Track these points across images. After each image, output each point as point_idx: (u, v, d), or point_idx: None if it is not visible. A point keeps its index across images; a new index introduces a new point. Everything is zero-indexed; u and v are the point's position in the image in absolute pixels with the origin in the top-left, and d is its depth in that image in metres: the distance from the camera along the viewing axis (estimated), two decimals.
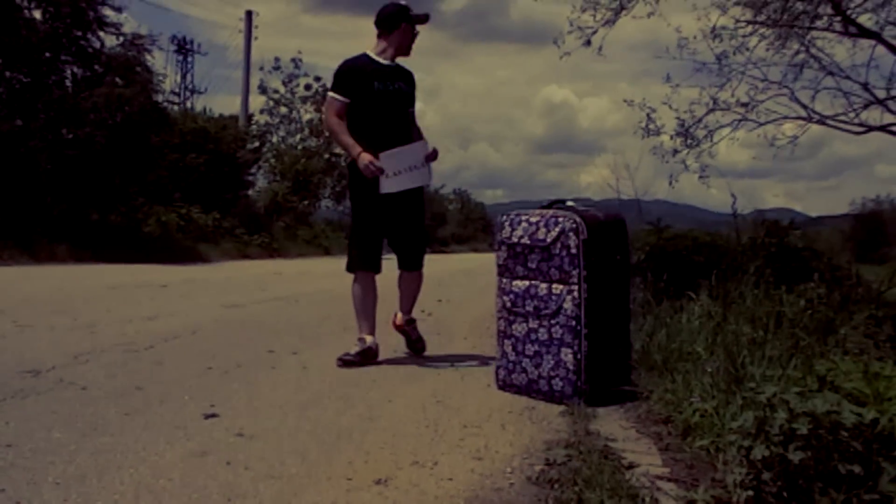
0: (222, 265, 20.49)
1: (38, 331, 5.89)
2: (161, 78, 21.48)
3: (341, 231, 47.06)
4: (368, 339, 5.36)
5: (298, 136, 44.79)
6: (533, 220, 4.24)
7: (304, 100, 44.39)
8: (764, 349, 4.20)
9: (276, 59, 43.56)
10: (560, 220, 4.10)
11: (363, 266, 5.53)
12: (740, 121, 8.84)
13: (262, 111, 43.76)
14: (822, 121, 8.88)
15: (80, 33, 19.16)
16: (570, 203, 4.37)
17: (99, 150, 17.96)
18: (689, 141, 8.96)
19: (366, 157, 5.13)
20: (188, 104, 47.48)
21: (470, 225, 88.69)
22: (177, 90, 51.50)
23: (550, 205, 4.41)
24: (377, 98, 5.31)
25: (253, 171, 35.46)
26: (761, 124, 8.93)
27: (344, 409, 3.78)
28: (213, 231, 25.60)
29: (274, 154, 41.98)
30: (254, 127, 40.48)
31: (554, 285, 4.11)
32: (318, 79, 44.36)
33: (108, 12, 19.38)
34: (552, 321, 4.09)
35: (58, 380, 4.14)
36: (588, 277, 4.02)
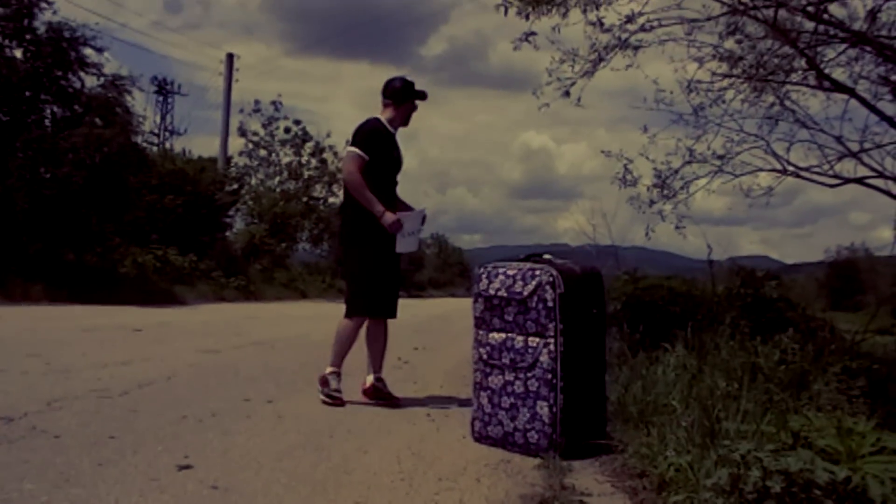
0: (198, 308, 20.37)
1: (10, 375, 5.83)
2: (141, 119, 21.49)
3: (318, 274, 46.94)
4: (372, 376, 5.95)
5: (277, 179, 44.79)
6: (510, 272, 4.27)
7: (283, 143, 44.45)
8: (739, 403, 4.23)
9: (257, 102, 43.65)
10: (537, 273, 4.14)
11: (380, 314, 5.95)
12: (716, 172, 8.94)
13: (241, 153, 43.77)
14: (797, 173, 8.98)
15: (60, 73, 19.15)
16: (546, 256, 4.40)
17: (77, 191, 17.87)
18: (665, 192, 9.03)
19: (391, 217, 5.62)
20: (167, 145, 47.56)
21: (447, 270, 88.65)
22: (156, 131, 51.65)
23: (528, 257, 4.44)
24: (392, 163, 5.92)
25: (231, 213, 35.40)
26: (737, 176, 9.03)
27: (318, 461, 3.77)
28: (189, 273, 25.50)
29: (252, 196, 41.94)
30: (233, 169, 40.48)
31: (530, 338, 4.14)
32: (297, 122, 44.54)
33: (89, 52, 19.42)
34: (528, 374, 4.11)
35: (30, 427, 4.10)
36: (564, 331, 4.05)
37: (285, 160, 44.86)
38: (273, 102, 43.79)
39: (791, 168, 8.95)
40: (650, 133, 9.03)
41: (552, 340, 4.05)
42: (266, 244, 37.07)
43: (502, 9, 8.25)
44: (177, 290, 23.34)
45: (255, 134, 44.04)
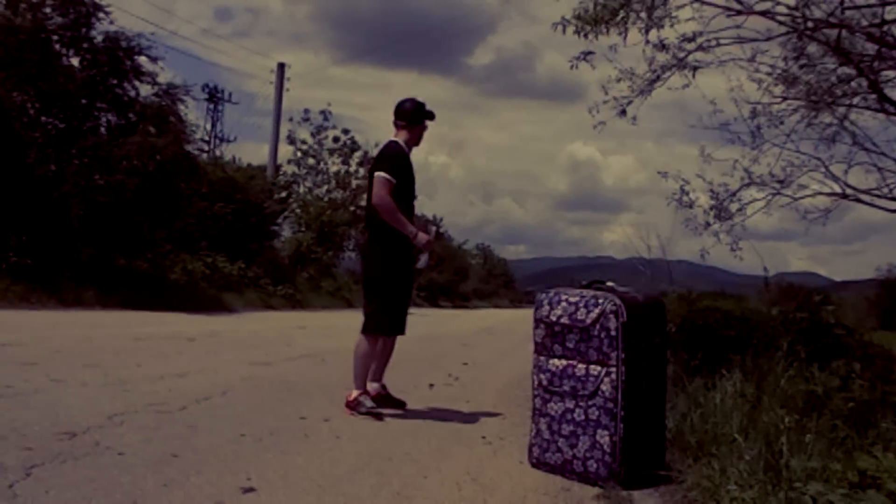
0: (247, 316, 20.53)
1: (70, 386, 5.89)
2: (193, 128, 21.69)
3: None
4: (381, 384, 6.31)
5: (325, 188, 44.99)
6: (572, 299, 4.25)
7: (331, 152, 44.65)
8: (802, 436, 4.17)
9: (306, 111, 43.84)
10: (600, 301, 4.11)
11: (398, 332, 6.19)
12: (775, 195, 8.81)
13: (289, 161, 44.07)
14: (856, 197, 8.84)
15: (116, 81, 19.42)
16: (609, 283, 4.37)
17: (130, 197, 18.09)
18: (722, 214, 8.93)
19: (424, 236, 5.92)
20: (217, 152, 48.03)
21: (492, 280, 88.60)
22: (207, 138, 52.15)
23: (590, 284, 4.41)
24: (412, 184, 6.15)
25: (279, 221, 35.67)
26: (796, 199, 8.89)
27: (379, 487, 3.76)
28: (237, 280, 25.70)
29: (300, 204, 42.16)
30: (281, 177, 40.79)
31: (592, 366, 4.10)
32: (346, 131, 44.69)
33: (143, 61, 19.67)
34: (589, 402, 4.08)
35: (94, 443, 4.14)
36: (626, 360, 4.02)
37: (333, 169, 45.04)
38: (322, 112, 43.99)
39: (850, 191, 8.80)
40: (706, 152, 8.93)
41: (614, 369, 4.02)
42: (313, 252, 37.23)
43: (559, 27, 8.23)
44: (225, 297, 23.54)
45: (304, 142, 44.30)
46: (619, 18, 7.93)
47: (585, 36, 8.02)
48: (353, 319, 20.47)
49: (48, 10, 18.29)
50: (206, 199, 26.43)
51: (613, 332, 4.03)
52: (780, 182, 8.72)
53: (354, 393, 5.88)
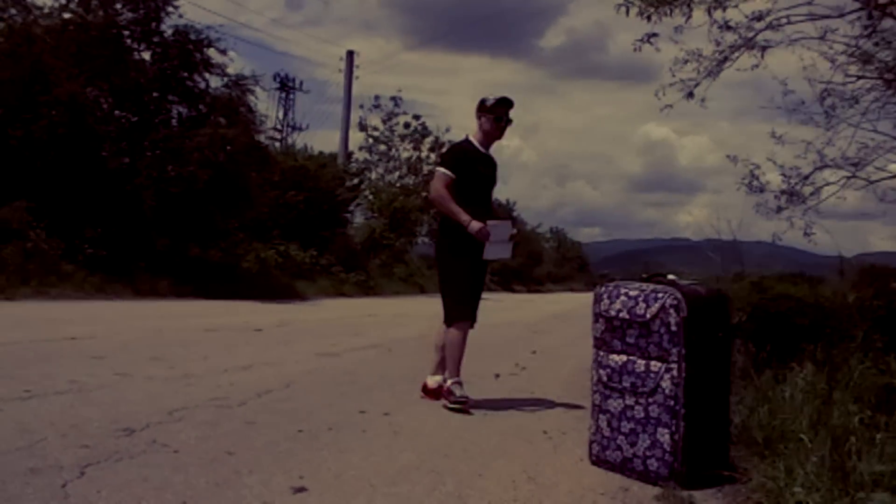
0: (318, 303, 20.69)
1: (135, 380, 5.93)
2: (263, 118, 21.86)
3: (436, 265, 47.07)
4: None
5: (396, 174, 45.20)
6: (632, 293, 4.11)
7: (402, 138, 44.82)
8: (874, 434, 4.00)
9: (376, 98, 44.16)
10: (660, 295, 3.97)
11: (471, 319, 6.16)
12: (850, 178, 8.50)
13: (360, 148, 44.37)
14: None
15: (186, 74, 19.68)
16: (671, 276, 4.24)
17: (201, 188, 18.32)
18: (794, 198, 8.66)
19: (478, 224, 5.82)
20: (289, 141, 48.42)
21: (566, 264, 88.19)
22: (279, 127, 52.59)
23: (650, 277, 4.28)
24: (478, 180, 6.11)
25: (351, 208, 35.91)
26: (871, 182, 8.58)
27: (433, 486, 3.68)
28: (310, 268, 25.90)
29: (372, 191, 42.39)
30: (353, 164, 41.05)
31: (652, 362, 3.97)
32: (416, 117, 44.83)
33: (213, 53, 19.89)
34: (649, 399, 3.95)
35: (151, 441, 4.12)
36: (688, 356, 3.87)
37: (404, 155, 45.28)
38: (392, 98, 44.23)
39: None
40: (777, 134, 8.67)
41: (675, 366, 3.87)
42: (385, 238, 37.37)
43: (623, 8, 8.06)
44: (297, 285, 23.75)
45: (375, 129, 44.53)
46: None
47: (648, 18, 7.85)
48: (424, 305, 20.53)
49: (119, 5, 18.57)
50: (278, 187, 26.69)
51: (674, 328, 3.89)
52: (855, 165, 8.41)
53: (450, 381, 5.90)
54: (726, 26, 7.97)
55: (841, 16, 7.93)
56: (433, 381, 6.21)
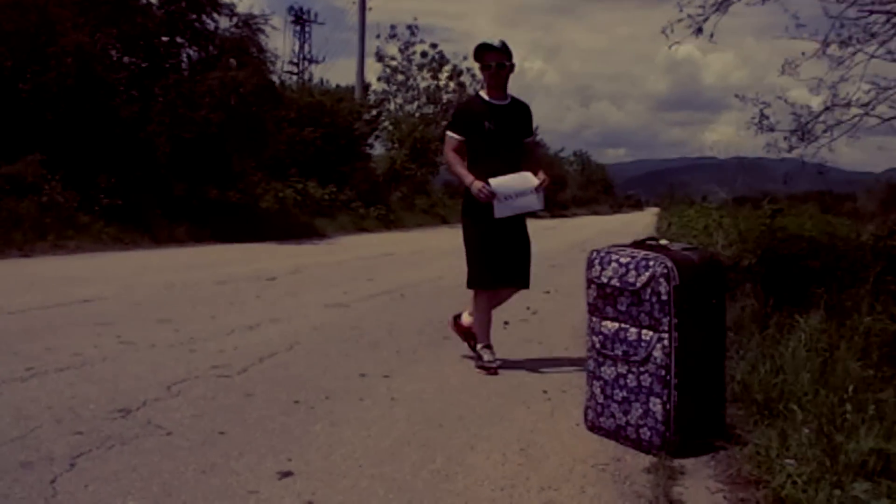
0: (336, 242, 20.73)
1: (139, 349, 5.94)
2: (275, 58, 21.67)
3: (460, 197, 47.10)
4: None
5: (416, 104, 44.96)
6: (623, 260, 4.05)
7: (420, 67, 44.47)
8: (875, 395, 3.96)
9: (392, 27, 43.81)
10: (651, 263, 3.90)
11: (485, 285, 5.92)
12: (862, 116, 8.25)
13: (378, 78, 44.11)
14: None
15: (194, 16, 19.50)
16: (663, 241, 4.16)
17: (215, 132, 18.29)
18: (806, 137, 8.45)
19: (478, 184, 5.61)
20: (306, 75, 48.14)
21: (591, 187, 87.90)
22: (295, 60, 52.27)
23: (643, 242, 4.22)
24: (487, 136, 5.77)
25: (370, 140, 35.80)
26: (885, 120, 8.32)
27: (421, 465, 3.67)
28: (329, 205, 25.89)
29: (391, 122, 42.21)
30: (371, 96, 40.82)
31: (643, 331, 3.92)
32: (434, 45, 44.44)
33: None
34: (641, 368, 3.91)
35: (145, 422, 4.13)
36: (679, 325, 3.81)
37: (423, 84, 44.98)
38: (409, 26, 43.78)
39: None
40: (792, 66, 8.43)
41: (666, 335, 3.82)
42: (407, 170, 37.28)
43: None
44: (317, 223, 23.76)
45: (392, 59, 44.18)
46: None
47: None
48: (444, 239, 20.52)
49: None
50: (295, 124, 26.62)
51: (665, 297, 3.82)
52: (865, 106, 8.12)
53: (479, 346, 5.87)
54: None
55: None
56: (468, 318, 6.16)
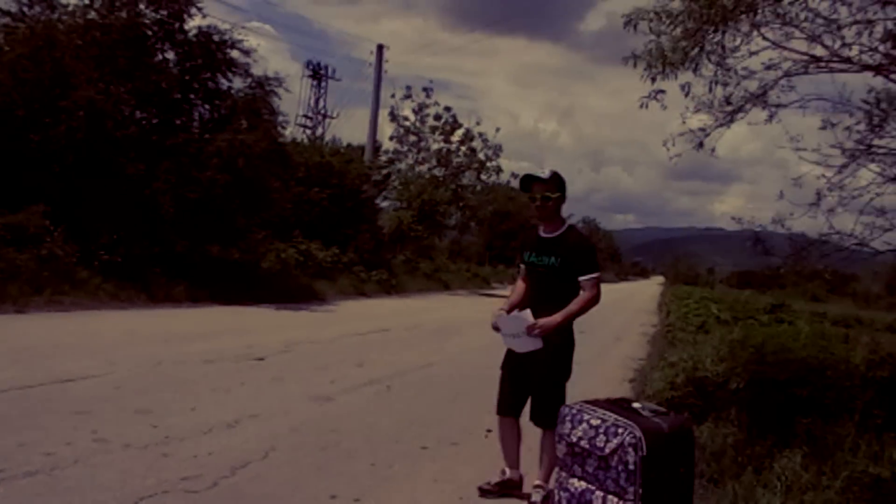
0: (336, 307, 20.73)
1: (111, 450, 5.85)
2: (286, 121, 21.79)
3: (464, 261, 47.15)
4: (508, 471, 5.75)
5: (426, 166, 45.14)
6: (594, 422, 4.02)
7: (433, 129, 44.73)
8: None
9: (408, 88, 44.04)
10: (620, 431, 3.87)
11: (501, 411, 5.85)
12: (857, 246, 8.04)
13: (391, 137, 44.42)
14: None
15: (209, 74, 19.69)
16: (636, 405, 4.13)
17: (220, 194, 18.35)
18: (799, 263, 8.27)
19: (496, 312, 5.70)
20: (318, 130, 48.50)
21: (598, 255, 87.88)
22: (310, 114, 52.72)
23: (616, 401, 4.19)
24: (528, 267, 5.79)
25: (378, 200, 35.94)
26: (878, 253, 8.16)
27: None
28: (331, 267, 25.89)
29: (401, 181, 42.43)
30: (382, 156, 41.10)
31: (609, 496, 3.89)
32: (448, 108, 44.68)
33: (236, 55, 19.89)
34: None
35: None
36: (644, 496, 3.78)
37: (434, 147, 45.18)
38: (424, 89, 44.07)
39: None
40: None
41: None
42: (413, 230, 37.35)
43: (631, 62, 7.89)
44: (317, 285, 23.77)
45: (406, 119, 44.46)
46: (689, 60, 7.53)
47: (653, 80, 7.66)
48: (442, 310, 20.35)
49: (142, 5, 18.57)
50: (303, 183, 26.80)
51: (632, 466, 3.79)
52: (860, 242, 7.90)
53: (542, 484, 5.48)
54: (727, 101, 7.75)
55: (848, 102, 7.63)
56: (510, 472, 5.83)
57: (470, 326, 18.11)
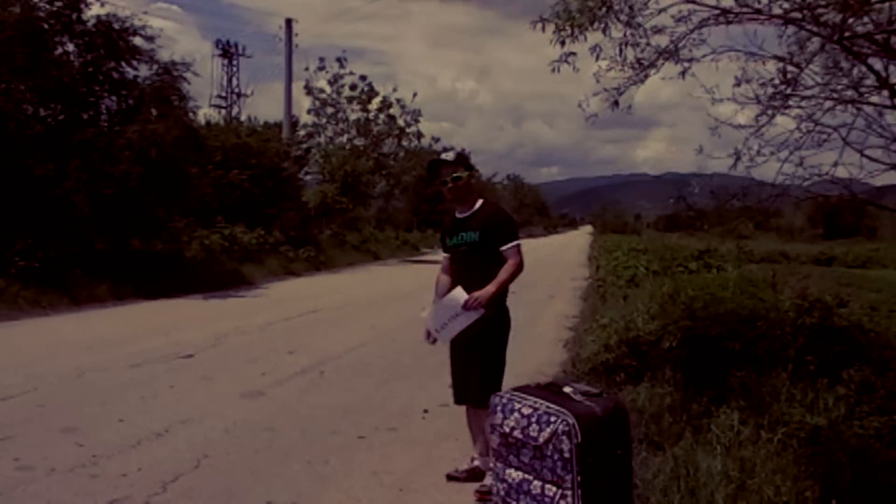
0: (264, 290, 20.55)
1: (36, 478, 5.62)
2: (196, 107, 21.29)
3: (392, 228, 47.02)
4: (478, 459, 5.59)
5: (346, 137, 44.73)
6: (525, 411, 3.95)
7: (349, 100, 44.28)
8: None
9: (321, 60, 43.47)
10: (552, 419, 3.80)
11: (457, 400, 5.76)
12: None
13: (308, 111, 43.94)
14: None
15: (113, 64, 19.14)
16: (567, 389, 4.05)
17: (136, 187, 17.94)
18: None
19: (424, 318, 5.65)
20: (234, 109, 47.79)
21: (524, 210, 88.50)
22: (223, 94, 51.89)
23: (547, 386, 4.11)
24: (452, 250, 5.78)
25: (300, 175, 35.56)
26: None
27: None
28: (257, 249, 25.56)
29: (322, 155, 42.03)
30: (301, 130, 40.66)
31: (547, 485, 3.83)
32: (363, 77, 44.24)
33: (139, 42, 19.36)
34: None
35: None
36: (583, 483, 3.72)
37: (353, 117, 44.77)
38: (338, 59, 43.52)
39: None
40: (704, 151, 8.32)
41: (570, 492, 3.72)
42: (338, 203, 37.06)
43: (539, 25, 7.78)
44: (245, 269, 23.48)
45: (322, 91, 43.94)
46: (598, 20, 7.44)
47: (562, 43, 7.55)
48: (371, 284, 20.19)
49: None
50: (221, 167, 26.39)
51: (567, 455, 3.73)
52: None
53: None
54: (638, 62, 7.69)
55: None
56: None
57: (400, 299, 18.04)
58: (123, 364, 9.77)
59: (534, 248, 38.17)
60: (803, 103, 7.75)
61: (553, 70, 8.08)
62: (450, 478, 5.65)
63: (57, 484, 5.56)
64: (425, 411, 7.70)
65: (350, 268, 30.66)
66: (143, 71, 19.76)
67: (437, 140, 50.53)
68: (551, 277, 24.96)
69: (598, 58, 7.86)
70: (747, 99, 7.75)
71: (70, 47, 18.98)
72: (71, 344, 11.37)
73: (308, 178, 41.92)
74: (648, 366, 7.78)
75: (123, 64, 19.38)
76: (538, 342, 11.48)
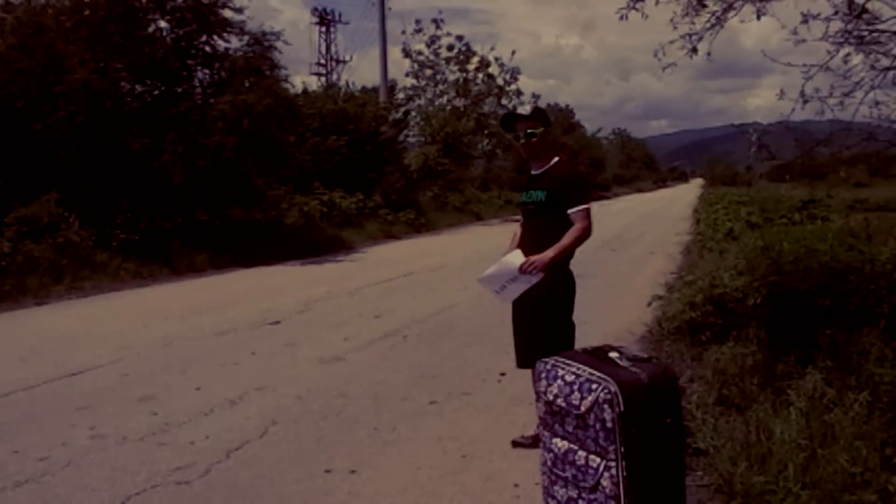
0: (363, 255, 20.66)
1: (107, 446, 5.75)
2: (287, 74, 21.40)
3: (497, 189, 46.87)
4: None
5: (445, 98, 44.66)
6: (568, 378, 3.78)
7: (447, 60, 44.16)
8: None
9: (418, 22, 43.49)
10: (594, 387, 3.62)
11: (520, 365, 5.62)
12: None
13: (407, 74, 43.99)
14: None
15: (204, 38, 19.41)
16: (613, 354, 3.87)
17: (230, 157, 18.20)
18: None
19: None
20: (333, 76, 48.10)
21: (632, 165, 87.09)
22: (322, 61, 52.30)
23: (594, 351, 3.95)
24: (522, 207, 5.66)
25: (401, 138, 35.65)
26: None
27: None
28: (357, 214, 25.74)
29: (422, 117, 42.09)
30: (399, 94, 40.73)
31: (591, 456, 3.65)
32: (460, 38, 44.05)
33: (228, 14, 19.56)
34: (591, 496, 3.65)
35: None
36: (627, 454, 3.54)
37: (452, 77, 44.66)
38: (434, 20, 43.40)
39: None
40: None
41: (614, 464, 3.55)
42: (440, 165, 37.05)
43: None
44: (345, 234, 23.64)
45: (420, 53, 43.92)
46: None
47: None
48: (471, 244, 20.06)
49: None
50: (319, 133, 26.54)
51: (609, 424, 3.55)
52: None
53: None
54: None
55: None
56: None
57: (497, 259, 17.88)
58: (210, 332, 9.94)
59: (639, 203, 37.75)
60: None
61: (621, 18, 7.82)
62: (515, 444, 5.58)
63: (125, 452, 5.66)
64: (502, 374, 7.59)
65: (450, 229, 30.67)
66: (234, 42, 20.01)
67: (537, 98, 49.90)
68: (654, 234, 24.55)
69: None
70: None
71: (162, 24, 19.37)
72: (164, 313, 11.60)
73: (412, 140, 42.09)
74: (735, 324, 7.50)
75: (214, 37, 19.64)
76: (632, 299, 11.22)
